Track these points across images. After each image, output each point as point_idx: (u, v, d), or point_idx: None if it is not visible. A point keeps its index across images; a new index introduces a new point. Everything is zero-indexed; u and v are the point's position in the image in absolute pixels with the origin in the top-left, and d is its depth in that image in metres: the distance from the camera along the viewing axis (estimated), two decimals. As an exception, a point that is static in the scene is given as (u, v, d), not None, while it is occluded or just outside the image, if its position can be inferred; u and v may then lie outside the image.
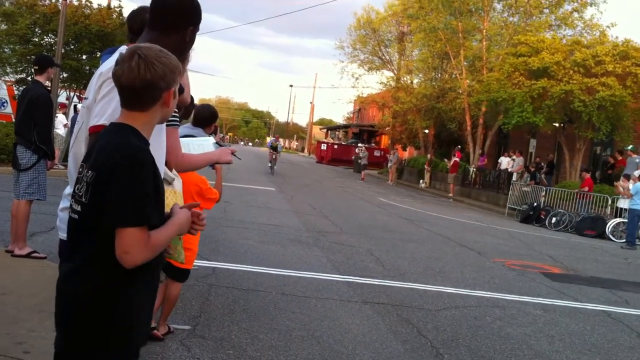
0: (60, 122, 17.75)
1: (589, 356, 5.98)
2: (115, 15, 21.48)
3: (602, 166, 25.90)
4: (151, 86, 2.14)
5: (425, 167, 34.67)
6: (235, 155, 3.72)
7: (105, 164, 2.04)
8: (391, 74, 43.18)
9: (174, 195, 3.31)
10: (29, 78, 18.68)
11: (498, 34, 31.64)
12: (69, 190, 2.94)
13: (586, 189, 20.41)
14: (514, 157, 27.37)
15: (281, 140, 31.17)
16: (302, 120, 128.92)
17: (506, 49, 28.43)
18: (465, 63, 32.55)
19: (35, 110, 6.87)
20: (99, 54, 19.79)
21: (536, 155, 28.88)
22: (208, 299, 6.14)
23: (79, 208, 2.12)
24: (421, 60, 38.49)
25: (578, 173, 23.79)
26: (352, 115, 70.64)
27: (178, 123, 3.29)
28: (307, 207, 16.30)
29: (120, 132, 2.14)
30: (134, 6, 2.98)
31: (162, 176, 2.80)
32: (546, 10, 30.71)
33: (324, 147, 55.99)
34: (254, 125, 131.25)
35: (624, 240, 17.27)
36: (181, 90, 4.91)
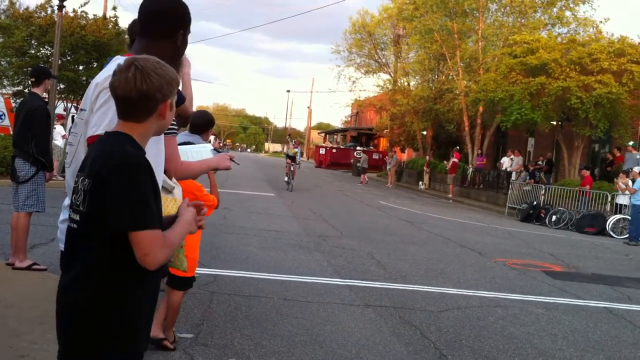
0: (59, 134, 17.75)
1: (592, 353, 5.97)
2: (111, 25, 21.47)
3: (600, 163, 25.91)
4: (147, 98, 2.14)
5: (424, 168, 34.69)
6: (233, 161, 3.71)
7: (102, 171, 2.05)
8: (388, 77, 43.22)
9: (174, 204, 3.31)
10: (26, 90, 18.68)
11: (494, 34, 31.68)
12: (68, 201, 2.94)
13: (587, 187, 20.43)
14: (512, 156, 27.40)
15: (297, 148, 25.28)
16: (300, 125, 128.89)
17: (502, 49, 28.47)
18: (461, 64, 32.56)
19: (32, 122, 6.88)
20: (95, 65, 19.83)
21: (535, 154, 28.90)
22: (210, 307, 6.14)
23: (77, 217, 2.13)
24: (417, 62, 38.50)
25: (577, 171, 23.80)
26: (350, 119, 70.66)
27: (176, 131, 3.30)
28: (307, 212, 16.29)
29: (115, 140, 2.15)
30: (130, 16, 2.97)
31: (161, 185, 2.81)
32: (540, 10, 30.75)
33: (322, 151, 55.97)
34: (252, 131, 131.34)
35: (626, 236, 17.29)
36: (182, 100, 4.91)
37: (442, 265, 10.07)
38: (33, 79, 7.28)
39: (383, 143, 52.56)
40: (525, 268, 10.55)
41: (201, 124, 5.02)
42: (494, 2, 31.53)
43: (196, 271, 5.33)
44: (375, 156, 48.74)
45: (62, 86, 19.95)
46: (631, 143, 21.37)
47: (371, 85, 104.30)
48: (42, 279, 6.27)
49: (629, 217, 17.91)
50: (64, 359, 2.15)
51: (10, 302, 5.35)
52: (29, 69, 16.99)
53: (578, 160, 24.36)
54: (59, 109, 19.96)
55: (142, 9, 2.85)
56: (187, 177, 3.60)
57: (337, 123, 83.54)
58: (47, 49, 20.66)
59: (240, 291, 6.93)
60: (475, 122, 31.29)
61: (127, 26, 2.96)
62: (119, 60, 2.62)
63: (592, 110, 21.86)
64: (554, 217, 19.91)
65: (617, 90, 21.30)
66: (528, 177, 24.19)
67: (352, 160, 45.76)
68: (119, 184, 2.02)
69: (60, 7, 16.90)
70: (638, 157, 20.51)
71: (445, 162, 31.96)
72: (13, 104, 19.35)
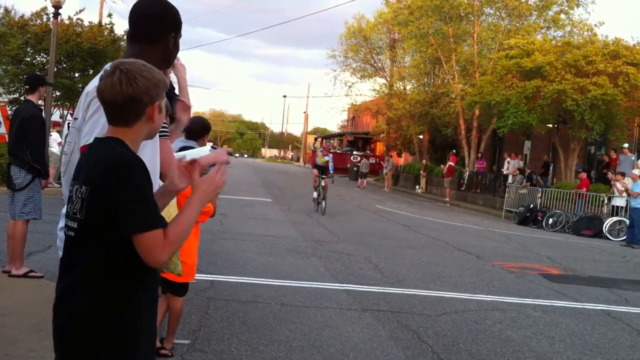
0: (55, 141, 17.76)
1: (590, 356, 5.98)
2: (106, 32, 21.46)
3: (597, 165, 25.97)
4: (134, 101, 2.14)
5: (421, 172, 34.72)
6: (231, 154, 3.68)
7: (99, 177, 2.05)
8: (384, 81, 43.30)
9: (174, 208, 3.31)
10: (22, 98, 18.67)
11: (489, 37, 31.77)
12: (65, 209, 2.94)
13: (584, 189, 20.47)
14: (508, 159, 27.45)
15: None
16: (296, 130, 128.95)
17: (498, 53, 28.55)
18: (457, 67, 32.66)
19: (27, 129, 6.87)
20: (91, 72, 19.80)
21: (531, 157, 28.96)
22: (207, 313, 6.13)
23: (75, 225, 2.12)
24: (413, 66, 38.59)
25: (573, 173, 23.85)
26: (346, 124, 70.71)
27: (168, 133, 3.29)
28: (304, 217, 16.29)
29: (107, 145, 2.15)
30: (126, 23, 2.96)
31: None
32: (535, 13, 30.87)
33: (319, 155, 55.87)
34: (249, 136, 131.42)
35: (623, 238, 17.31)
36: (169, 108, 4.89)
37: (440, 269, 10.08)
38: (27, 86, 7.28)
39: (380, 147, 52.59)
40: (523, 271, 10.56)
41: (197, 130, 5.02)
42: (489, 5, 31.62)
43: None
44: (372, 160, 48.75)
45: (58, 93, 19.93)
46: (626, 145, 21.42)
47: (367, 90, 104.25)
48: (39, 287, 6.26)
49: (626, 220, 17.95)
50: None
51: (7, 310, 5.34)
52: (25, 76, 16.98)
53: (574, 163, 24.41)
54: (55, 116, 19.94)
55: (133, 14, 2.85)
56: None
57: (334, 128, 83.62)
58: (42, 57, 20.66)
59: (237, 297, 6.92)
60: (472, 126, 31.36)
61: (123, 33, 2.96)
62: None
63: (588, 112, 21.92)
64: (550, 220, 19.93)
65: (612, 91, 21.36)
66: (525, 180, 24.22)
67: (348, 165, 45.75)
68: (121, 188, 2.02)
69: (56, 14, 16.89)
70: (633, 158, 20.56)
71: (442, 165, 31.99)
72: (9, 112, 19.32)
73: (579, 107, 21.88)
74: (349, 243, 12.06)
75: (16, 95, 20.05)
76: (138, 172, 2.07)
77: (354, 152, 49.76)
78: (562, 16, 30.36)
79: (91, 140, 2.46)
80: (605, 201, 19.57)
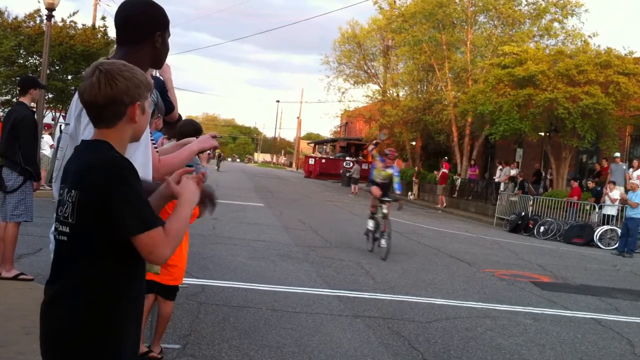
0: (47, 143, 17.69)
1: (580, 364, 5.99)
2: (100, 35, 21.48)
3: (588, 174, 26.08)
4: (114, 101, 2.13)
5: (414, 179, 34.78)
6: (217, 137, 3.51)
7: (91, 181, 2.04)
8: (377, 87, 43.35)
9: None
10: (15, 100, 18.62)
11: (482, 45, 31.90)
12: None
13: (575, 197, 20.55)
14: (500, 167, 27.53)
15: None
16: (289, 135, 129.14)
17: (490, 60, 28.67)
18: (450, 75, 32.76)
19: (19, 131, 6.85)
20: (84, 74, 19.78)
21: (523, 165, 29.06)
22: (198, 317, 6.11)
23: (67, 229, 2.11)
24: (406, 73, 38.65)
25: (565, 181, 23.94)
26: (339, 129, 70.77)
27: (156, 146, 3.27)
28: (296, 222, 16.28)
29: (95, 148, 2.14)
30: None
31: None
32: (528, 21, 31.05)
33: (311, 161, 56.00)
34: (242, 141, 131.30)
35: (614, 247, 17.38)
36: (171, 108, 4.87)
37: (431, 275, 10.08)
38: (19, 88, 7.26)
39: (372, 153, 52.56)
40: (514, 279, 10.58)
41: (189, 133, 5.01)
42: (482, 13, 31.76)
43: (184, 281, 5.31)
44: (364, 166, 48.81)
45: (50, 96, 19.91)
46: (618, 154, 21.52)
47: (360, 96, 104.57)
48: (29, 289, 6.23)
49: (617, 229, 18.03)
50: None
51: (-4, 313, 5.31)
52: (18, 78, 16.94)
53: (566, 171, 24.51)
54: (47, 119, 19.91)
55: (118, 16, 2.84)
56: (171, 172, 3.39)
57: (327, 133, 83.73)
58: (35, 59, 20.65)
59: (228, 302, 6.91)
60: (464, 133, 31.45)
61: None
62: None
63: (579, 120, 22.03)
64: (542, 228, 19.99)
65: (604, 101, 21.47)
66: (517, 188, 24.29)
67: (341, 171, 45.78)
68: (116, 191, 2.01)
69: (49, 16, 16.86)
70: (624, 167, 20.66)
71: (435, 172, 32.02)
72: (1, 113, 19.28)
73: (571, 115, 21.98)
74: (340, 249, 12.06)
75: (8, 97, 20.01)
76: (130, 174, 2.07)
77: (347, 158, 49.80)
78: (556, 24, 30.54)
79: None
80: (596, 209, 19.65)
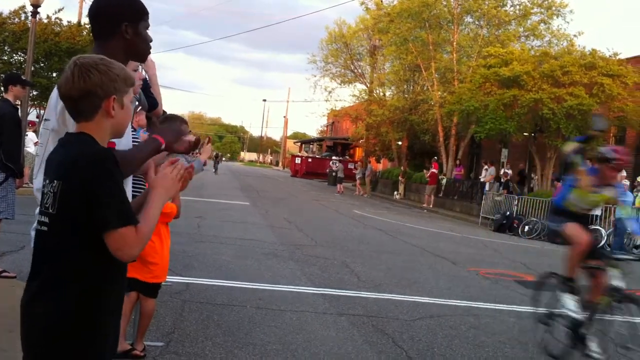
0: (31, 140, 17.53)
1: (562, 362, 6.01)
2: (85, 32, 21.32)
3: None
4: (88, 94, 2.13)
5: (400, 178, 34.86)
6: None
7: (72, 172, 2.04)
8: (364, 87, 43.41)
9: None
10: (-1, 96, 18.48)
11: (469, 46, 32.03)
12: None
13: (558, 197, 20.66)
14: (486, 166, 27.65)
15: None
16: (276, 135, 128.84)
17: (476, 61, 28.80)
18: (436, 75, 32.86)
19: (1, 128, 6.79)
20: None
21: (509, 165, 29.22)
22: (182, 315, 6.10)
23: (47, 220, 2.11)
24: (393, 73, 38.75)
25: (549, 181, 24.09)
26: (325, 129, 70.77)
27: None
28: (282, 221, 16.27)
29: (79, 141, 2.15)
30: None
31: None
32: (514, 22, 31.21)
33: (298, 160, 56.02)
34: (228, 139, 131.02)
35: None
36: (154, 104, 4.84)
37: (416, 274, 10.12)
38: (2, 86, 7.21)
39: (359, 153, 52.71)
40: (498, 277, 10.63)
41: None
42: (468, 13, 31.88)
43: (169, 279, 5.30)
44: (350, 166, 48.91)
45: (35, 93, 19.75)
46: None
47: (347, 95, 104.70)
48: (11, 287, 6.18)
49: (601, 229, 18.17)
50: None
51: (-23, 310, 5.26)
52: (2, 75, 16.81)
53: (550, 171, 24.66)
54: (32, 116, 19.76)
55: (90, 10, 2.86)
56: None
57: (313, 133, 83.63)
58: (20, 55, 20.48)
59: (212, 300, 6.89)
60: (450, 133, 31.56)
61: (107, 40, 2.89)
62: None
63: (564, 121, 22.17)
64: (526, 228, 20.10)
65: (588, 101, 21.62)
66: (501, 188, 24.41)
67: (327, 170, 45.83)
68: (95, 184, 2.01)
69: (34, 13, 16.73)
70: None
71: (425, 171, 32.03)
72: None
73: (555, 116, 22.13)
74: (326, 247, 12.07)
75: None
76: (114, 168, 2.07)
77: (333, 157, 49.87)
78: (542, 25, 30.72)
79: None
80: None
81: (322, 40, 45.12)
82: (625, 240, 17.06)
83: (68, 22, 21.62)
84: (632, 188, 17.02)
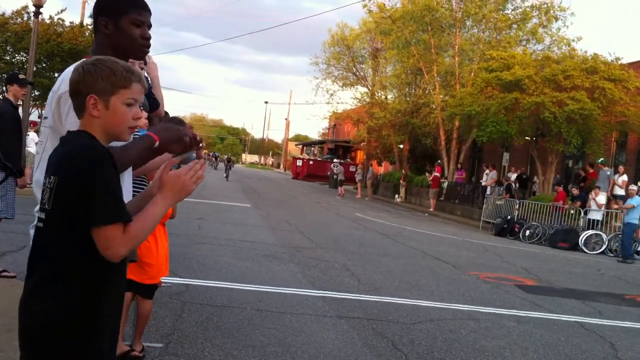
0: (32, 140, 17.54)
1: (563, 367, 6.00)
2: (87, 33, 21.36)
3: (574, 179, 26.27)
4: (74, 92, 2.17)
5: (401, 182, 34.84)
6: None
7: (67, 168, 2.04)
8: (365, 90, 43.45)
9: None
10: (1, 96, 18.50)
11: (470, 49, 32.03)
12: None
13: (560, 202, 20.67)
14: (487, 170, 27.62)
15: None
16: (277, 137, 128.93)
17: (478, 64, 28.80)
18: (438, 78, 32.86)
19: (1, 127, 6.79)
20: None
21: (509, 169, 29.20)
22: (181, 316, 6.08)
23: (43, 216, 2.11)
24: (395, 76, 38.78)
25: (551, 186, 24.07)
26: (327, 131, 70.83)
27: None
28: (283, 223, 16.25)
29: (76, 137, 2.16)
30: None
31: None
32: (515, 26, 31.22)
33: (299, 163, 56.03)
34: (229, 141, 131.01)
35: (598, 252, 17.50)
36: (156, 104, 4.84)
37: (416, 277, 10.09)
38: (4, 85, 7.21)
39: (360, 156, 52.73)
40: (499, 282, 10.61)
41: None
42: (469, 17, 31.88)
43: (168, 280, 5.29)
44: (352, 168, 48.90)
45: (36, 93, 19.77)
46: (600, 160, 21.68)
47: (349, 98, 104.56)
48: (11, 286, 6.17)
49: (602, 233, 18.19)
50: None
51: (-24, 310, 5.25)
52: (4, 75, 16.82)
53: (552, 176, 24.65)
54: (33, 116, 19.77)
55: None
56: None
57: (315, 135, 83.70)
58: (22, 55, 20.50)
59: (212, 301, 6.88)
60: (452, 136, 31.55)
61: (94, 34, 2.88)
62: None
63: (565, 125, 22.17)
64: (527, 232, 20.08)
65: (590, 106, 21.61)
66: (504, 192, 24.39)
67: (328, 173, 45.83)
68: (88, 180, 2.00)
69: (37, 13, 16.76)
70: (609, 173, 20.80)
71: (427, 174, 31.96)
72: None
73: (557, 119, 22.12)
74: (326, 250, 12.05)
75: (-6, 94, 19.83)
76: (106, 163, 2.06)
77: (334, 160, 49.88)
78: (541, 29, 30.70)
79: None
80: (582, 214, 19.77)
81: (324, 43, 45.22)
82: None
83: (70, 22, 21.66)
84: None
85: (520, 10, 30.94)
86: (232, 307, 6.73)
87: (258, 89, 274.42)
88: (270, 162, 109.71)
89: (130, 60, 2.91)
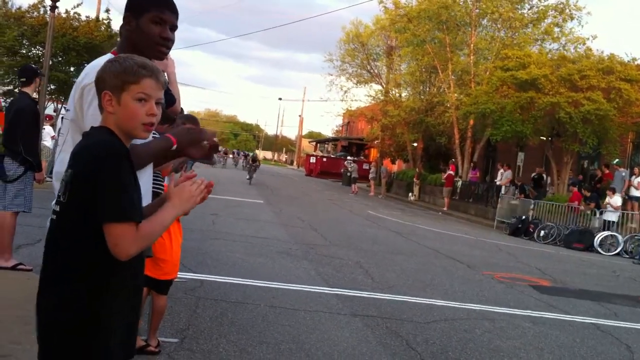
0: (48, 134, 17.65)
1: (578, 369, 5.95)
2: (103, 28, 21.46)
3: (589, 179, 26.08)
4: (96, 89, 2.21)
5: (414, 180, 34.74)
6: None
7: (83, 162, 2.05)
8: (380, 87, 43.33)
9: None
10: (16, 90, 18.60)
11: (486, 48, 31.86)
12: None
13: (575, 202, 20.53)
14: (501, 170, 27.47)
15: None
16: (291, 133, 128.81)
17: (494, 63, 28.65)
18: (453, 77, 32.70)
19: (21, 121, 6.84)
20: (86, 66, 19.77)
21: (524, 169, 29.05)
22: (196, 312, 6.09)
23: (58, 208, 2.11)
24: (409, 74, 38.63)
25: (566, 186, 23.91)
26: (341, 128, 70.75)
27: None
28: (296, 220, 16.25)
29: (95, 132, 2.17)
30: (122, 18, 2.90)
31: None
32: (530, 25, 31.01)
33: (312, 160, 56.00)
34: (243, 137, 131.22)
35: (614, 253, 17.38)
36: (172, 100, 4.84)
37: (430, 276, 10.05)
38: (23, 79, 7.23)
39: (373, 153, 52.64)
40: (513, 282, 10.54)
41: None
42: (484, 16, 31.70)
43: (183, 276, 5.29)
44: (365, 166, 48.82)
45: (52, 87, 19.87)
46: (616, 161, 21.51)
47: (363, 96, 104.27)
48: (27, 280, 6.20)
49: (618, 235, 18.05)
50: (43, 359, 2.11)
51: (-7, 302, 5.28)
52: (20, 68, 16.92)
53: (567, 176, 24.48)
54: (49, 110, 19.88)
55: None
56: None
57: (328, 132, 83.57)
58: (38, 49, 20.62)
59: (226, 297, 6.88)
60: (466, 135, 31.40)
61: (119, 28, 2.87)
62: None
63: (581, 125, 22.01)
64: (542, 232, 19.96)
65: (606, 107, 21.44)
66: (518, 192, 24.25)
67: (342, 170, 45.78)
68: (102, 175, 2.01)
69: (53, 7, 16.84)
70: (624, 174, 20.65)
71: (442, 173, 31.85)
72: (3, 103, 19.26)
73: (572, 120, 21.97)
74: (340, 247, 12.03)
75: (10, 87, 19.99)
76: (120, 161, 2.06)
77: (348, 158, 49.81)
78: (556, 29, 30.47)
79: None
80: (597, 215, 19.63)
81: (339, 40, 45.20)
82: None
83: (86, 17, 21.75)
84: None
85: (536, 9, 30.72)
86: (246, 303, 6.73)
87: (272, 86, 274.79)
88: (284, 159, 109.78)
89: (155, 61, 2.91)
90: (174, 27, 2.84)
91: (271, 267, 9.10)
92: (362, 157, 54.19)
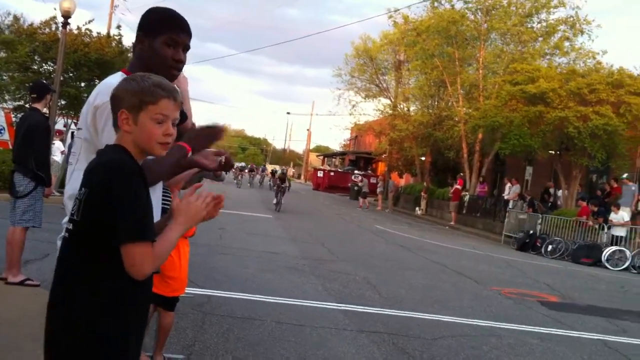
0: (57, 149, 17.78)
1: (586, 386, 5.92)
2: (114, 44, 21.58)
3: (602, 193, 25.97)
4: (112, 107, 2.21)
5: (422, 194, 34.70)
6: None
7: (98, 181, 2.05)
8: (388, 102, 43.43)
9: None
10: (27, 105, 18.74)
11: (494, 62, 31.90)
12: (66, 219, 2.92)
13: (584, 217, 20.45)
14: (509, 184, 27.39)
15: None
16: (299, 147, 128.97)
17: (503, 77, 28.67)
18: (461, 91, 32.74)
19: (33, 137, 6.90)
20: (97, 82, 19.87)
21: (532, 183, 28.95)
22: (202, 328, 6.10)
23: (71, 227, 2.12)
24: (418, 88, 38.71)
25: (574, 201, 23.82)
26: (348, 142, 70.78)
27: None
28: (304, 235, 16.26)
29: (110, 150, 2.18)
30: (133, 35, 2.94)
31: None
32: (540, 39, 31.04)
33: (320, 174, 55.98)
34: (251, 152, 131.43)
35: (621, 268, 17.27)
36: (184, 117, 4.89)
37: (438, 292, 10.04)
38: (34, 95, 7.30)
39: (381, 167, 52.61)
40: (521, 297, 10.51)
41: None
42: (493, 31, 31.76)
43: (190, 291, 5.31)
44: (372, 180, 48.80)
45: (63, 102, 19.99)
46: (625, 175, 21.42)
47: (371, 110, 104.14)
48: (35, 295, 6.23)
49: (626, 250, 17.96)
50: None
51: (2, 318, 5.32)
52: (31, 84, 17.06)
53: (575, 190, 24.40)
54: (59, 125, 19.99)
55: None
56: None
57: (336, 146, 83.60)
58: (49, 65, 20.75)
59: (233, 313, 6.89)
60: (474, 149, 31.37)
61: (131, 44, 2.94)
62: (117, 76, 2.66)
63: (589, 140, 21.96)
64: (550, 247, 19.88)
65: (614, 122, 21.38)
66: (526, 206, 24.18)
67: (349, 184, 45.74)
68: (119, 195, 2.01)
69: (65, 24, 16.99)
70: (634, 188, 20.56)
71: (450, 187, 31.81)
72: (13, 119, 19.40)
73: (581, 134, 21.93)
74: (347, 262, 12.03)
75: (21, 103, 20.12)
76: (134, 180, 2.07)
77: (355, 172, 49.79)
78: (566, 43, 30.50)
79: None
80: (606, 230, 19.54)
81: (347, 55, 45.37)
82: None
83: (98, 33, 21.88)
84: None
85: (546, 23, 30.77)
86: (253, 319, 6.74)
87: (280, 100, 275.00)
88: (291, 173, 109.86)
89: None
90: (186, 48, 2.88)
91: (279, 282, 9.11)
92: (369, 172, 54.15)
